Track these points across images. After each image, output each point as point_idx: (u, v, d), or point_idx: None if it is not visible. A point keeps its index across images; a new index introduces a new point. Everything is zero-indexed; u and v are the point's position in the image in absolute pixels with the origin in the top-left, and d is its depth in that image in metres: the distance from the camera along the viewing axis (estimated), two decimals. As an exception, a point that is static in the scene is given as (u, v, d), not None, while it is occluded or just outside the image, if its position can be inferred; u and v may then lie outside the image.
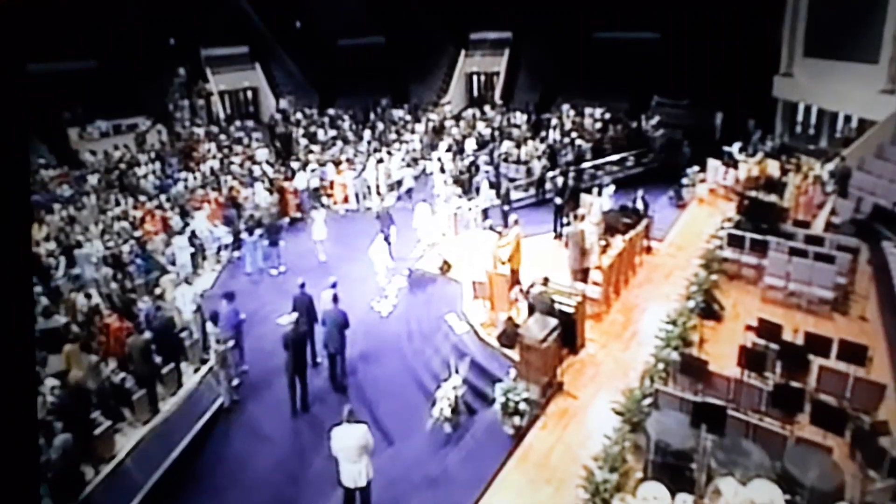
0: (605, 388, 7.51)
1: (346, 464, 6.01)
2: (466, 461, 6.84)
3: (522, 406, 6.78)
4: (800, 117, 19.85)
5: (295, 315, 8.80)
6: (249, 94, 26.70)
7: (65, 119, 20.77)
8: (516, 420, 6.82)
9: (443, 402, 7.43)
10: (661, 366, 7.12)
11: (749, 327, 8.03)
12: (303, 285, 9.59)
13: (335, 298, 8.79)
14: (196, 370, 9.66)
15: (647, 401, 6.49)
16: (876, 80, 15.57)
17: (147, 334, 8.73)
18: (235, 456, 8.32)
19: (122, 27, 22.15)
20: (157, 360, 9.14)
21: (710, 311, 8.84)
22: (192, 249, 11.92)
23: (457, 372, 7.68)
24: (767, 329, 7.59)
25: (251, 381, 9.63)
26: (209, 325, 8.87)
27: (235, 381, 9.29)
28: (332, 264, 12.95)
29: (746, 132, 18.18)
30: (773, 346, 7.28)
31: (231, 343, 9.18)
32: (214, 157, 18.97)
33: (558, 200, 12.92)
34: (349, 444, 5.95)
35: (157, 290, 10.35)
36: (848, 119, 17.89)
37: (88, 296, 9.91)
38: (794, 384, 6.69)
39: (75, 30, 20.73)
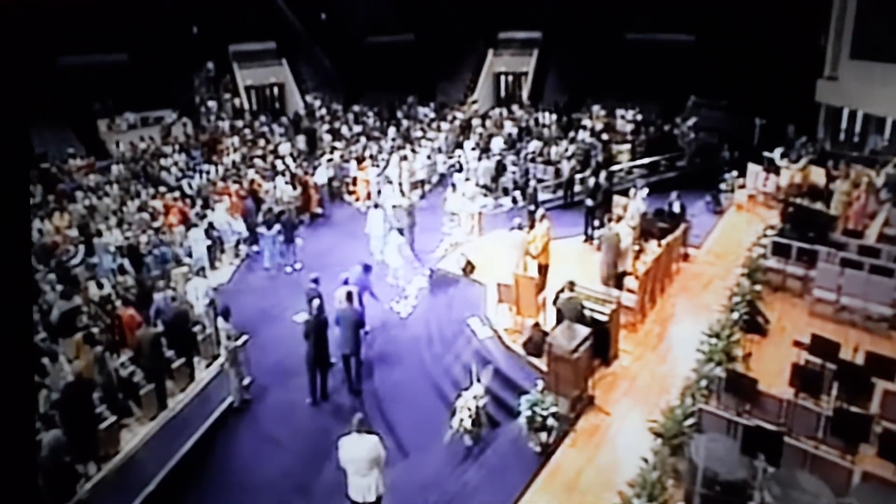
0: (640, 405, 6.93)
1: (354, 477, 5.55)
2: (487, 479, 6.33)
3: (550, 421, 6.24)
4: (843, 123, 18.86)
5: (318, 302, 8.36)
6: (276, 90, 26.65)
7: (95, 111, 21.00)
8: (543, 436, 6.28)
9: (463, 412, 6.92)
10: (703, 382, 6.52)
11: (797, 343, 7.35)
12: (315, 280, 9.22)
13: (349, 297, 8.35)
14: (208, 366, 9.35)
15: (689, 421, 5.90)
16: (932, 84, 14.60)
17: (157, 327, 8.42)
18: (243, 458, 7.95)
19: (153, 21, 22.28)
20: (169, 354, 8.87)
21: (753, 324, 8.16)
22: (209, 242, 11.62)
23: (479, 380, 7.17)
24: (822, 346, 6.89)
25: (262, 381, 9.26)
26: (220, 321, 8.50)
27: (247, 380, 8.92)
28: (348, 261, 12.53)
29: (786, 138, 17.30)
30: (830, 365, 6.60)
31: (243, 339, 8.82)
32: (237, 150, 18.82)
33: (590, 202, 12.31)
34: (358, 455, 5.49)
35: (171, 283, 10.06)
36: (896, 125, 16.92)
37: (101, 285, 9.68)
38: (854, 409, 6.04)
39: (107, 23, 20.92)
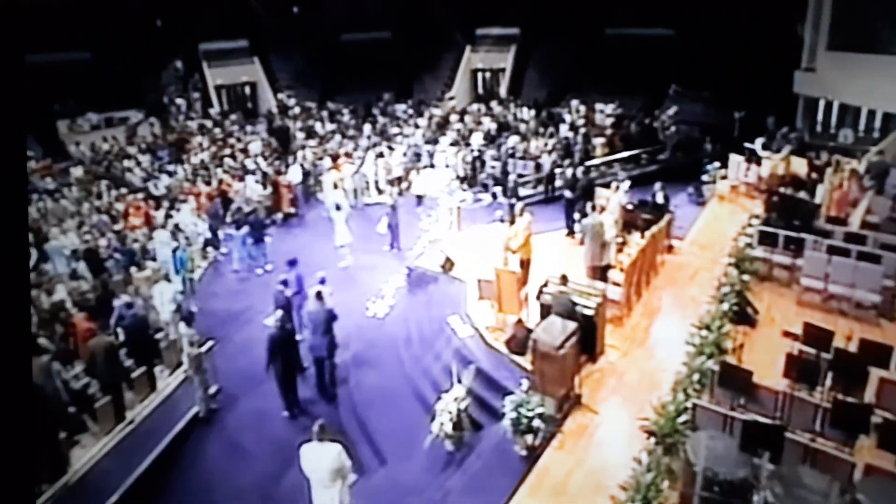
0: (629, 402, 6.59)
1: (317, 488, 5.11)
2: (471, 486, 5.92)
3: (536, 422, 5.86)
4: (820, 115, 18.92)
5: (280, 313, 7.85)
6: (248, 88, 25.93)
7: (55, 111, 20.11)
8: (529, 438, 5.90)
9: (443, 415, 6.49)
10: (695, 377, 6.19)
11: (787, 333, 7.11)
12: (284, 282, 8.73)
13: (319, 296, 7.86)
14: (171, 374, 8.77)
15: (683, 418, 5.56)
16: (908, 73, 14.64)
17: (112, 335, 7.83)
18: (209, 471, 7.41)
19: (118, 19, 21.45)
20: (129, 363, 8.29)
21: (743, 315, 7.91)
22: (175, 244, 11.02)
23: (460, 381, 6.75)
24: (815, 335, 6.63)
25: (232, 389, 8.71)
26: (182, 327, 7.94)
27: (213, 389, 8.37)
28: (321, 261, 12.06)
29: (766, 130, 17.28)
30: (825, 354, 6.33)
31: (208, 345, 8.28)
32: (206, 149, 18.16)
33: (569, 194, 12.00)
34: (319, 465, 5.05)
35: (130, 288, 9.46)
36: (872, 114, 16.98)
37: (50, 292, 9.02)
38: (850, 399, 5.77)
39: (70, 20, 20.06)
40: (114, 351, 7.66)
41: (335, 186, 13.57)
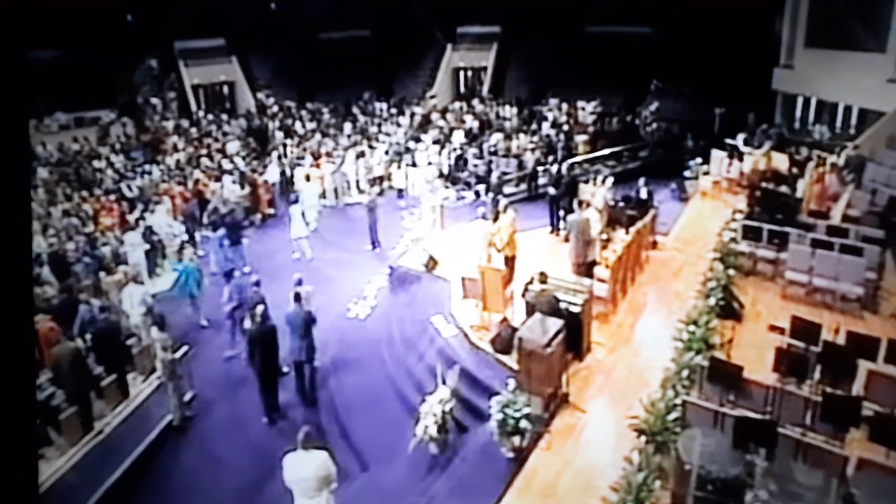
0: (617, 400, 6.44)
1: (301, 499, 4.84)
2: (457, 490, 5.71)
3: (523, 423, 5.66)
4: (798, 111, 19.13)
5: (262, 308, 7.55)
6: (226, 88, 25.39)
7: (20, 110, 19.41)
8: (516, 440, 5.70)
9: (428, 418, 6.27)
10: (684, 373, 6.07)
11: (773, 327, 7.04)
12: (257, 283, 8.47)
13: (297, 297, 7.59)
14: (144, 381, 8.42)
15: (673, 415, 5.43)
16: (883, 70, 14.85)
17: (78, 341, 7.47)
18: (184, 482, 7.10)
19: (89, 14, 20.82)
20: (99, 370, 7.93)
21: (729, 309, 7.83)
22: (147, 246, 10.62)
23: (444, 383, 6.54)
24: (802, 329, 6.56)
25: (208, 394, 8.39)
26: (154, 331, 7.61)
27: (188, 395, 8.04)
28: (302, 262, 11.77)
29: (746, 126, 17.40)
30: (813, 347, 6.27)
31: (183, 351, 7.95)
32: (181, 150, 17.70)
33: (552, 191, 11.88)
34: (305, 475, 4.79)
35: (88, 292, 9.08)
36: (848, 110, 17.21)
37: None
38: (839, 392, 5.70)
39: (37, 16, 19.38)
40: (80, 358, 7.29)
41: (307, 179, 13.36)
